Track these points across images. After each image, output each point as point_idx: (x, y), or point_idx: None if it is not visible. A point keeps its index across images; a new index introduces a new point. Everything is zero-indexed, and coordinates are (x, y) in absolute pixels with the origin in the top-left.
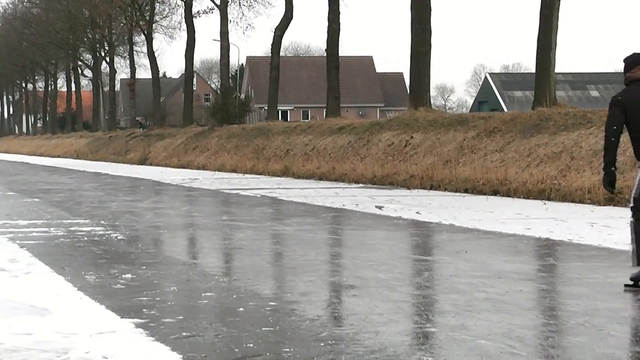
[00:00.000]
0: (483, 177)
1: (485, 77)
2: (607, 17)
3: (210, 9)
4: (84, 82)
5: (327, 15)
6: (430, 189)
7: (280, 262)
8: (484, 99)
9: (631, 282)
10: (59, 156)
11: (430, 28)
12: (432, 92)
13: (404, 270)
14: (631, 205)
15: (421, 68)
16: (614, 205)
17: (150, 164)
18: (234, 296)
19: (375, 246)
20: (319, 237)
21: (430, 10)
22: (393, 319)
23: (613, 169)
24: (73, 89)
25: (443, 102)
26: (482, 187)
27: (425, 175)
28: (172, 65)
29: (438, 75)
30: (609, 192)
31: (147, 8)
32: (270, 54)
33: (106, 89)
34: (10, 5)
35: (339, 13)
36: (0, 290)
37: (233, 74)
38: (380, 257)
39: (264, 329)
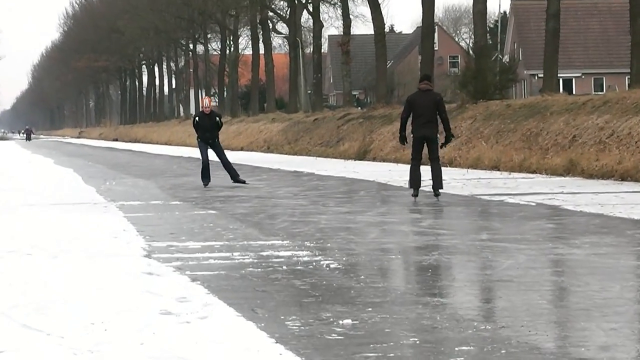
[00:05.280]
0: None
1: None
2: None
3: None
4: (276, 41)
5: None
6: None
7: (567, 300)
8: None
9: None
10: (242, 148)
11: None
12: None
13: None
14: None
15: None
16: None
17: (373, 159)
18: (503, 351)
19: None
20: (623, 264)
21: None
22: None
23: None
24: (261, 51)
25: None
26: None
27: None
28: (402, 16)
29: None
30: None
31: None
32: None
33: (308, 50)
34: None
35: None
36: (165, 343)
37: (492, 26)
38: None
39: None
